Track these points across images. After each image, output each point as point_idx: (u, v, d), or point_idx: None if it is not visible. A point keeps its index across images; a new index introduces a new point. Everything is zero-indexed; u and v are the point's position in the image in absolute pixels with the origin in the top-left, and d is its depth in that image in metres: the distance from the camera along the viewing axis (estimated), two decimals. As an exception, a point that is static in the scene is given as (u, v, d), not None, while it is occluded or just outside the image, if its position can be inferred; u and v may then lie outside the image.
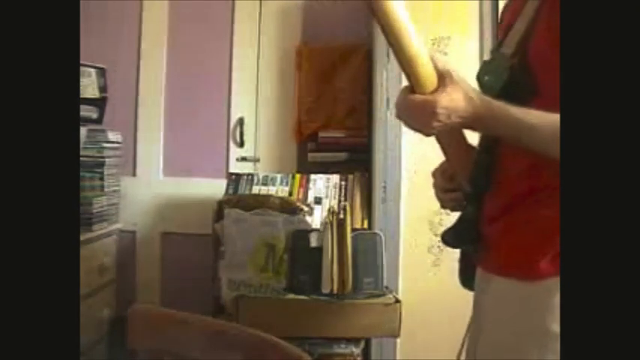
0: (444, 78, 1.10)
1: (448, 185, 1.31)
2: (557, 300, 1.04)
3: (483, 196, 1.20)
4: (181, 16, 2.94)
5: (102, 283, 2.64)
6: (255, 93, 2.94)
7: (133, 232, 2.94)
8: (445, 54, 2.38)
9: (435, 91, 1.08)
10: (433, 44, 2.38)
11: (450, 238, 1.25)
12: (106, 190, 2.65)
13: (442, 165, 1.33)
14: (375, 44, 2.48)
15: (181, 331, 1.11)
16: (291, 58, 2.87)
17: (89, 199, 2.53)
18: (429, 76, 1.09)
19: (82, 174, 2.54)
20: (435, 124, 1.07)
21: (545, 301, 1.06)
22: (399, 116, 1.14)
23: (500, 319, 1.15)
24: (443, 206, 1.35)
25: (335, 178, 2.55)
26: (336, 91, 2.79)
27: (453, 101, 1.07)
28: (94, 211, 2.55)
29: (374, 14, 1.07)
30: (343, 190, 2.52)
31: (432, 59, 1.11)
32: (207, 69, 2.95)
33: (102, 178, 2.63)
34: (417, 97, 1.09)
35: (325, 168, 2.66)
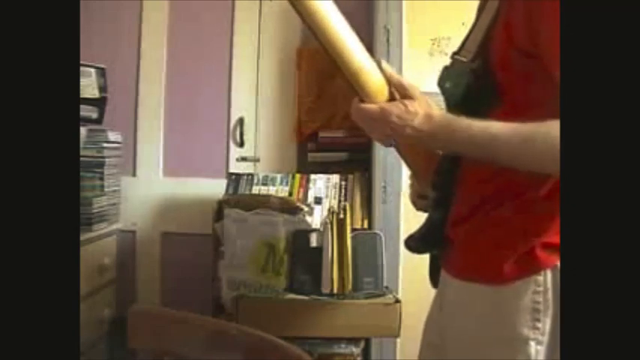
0: (404, 90, 1.10)
1: (423, 191, 1.30)
2: (525, 302, 1.05)
3: (449, 200, 1.19)
4: (181, 16, 2.94)
5: (102, 283, 2.64)
6: (255, 93, 2.94)
7: (133, 232, 2.94)
8: (445, 54, 2.38)
9: (389, 101, 1.09)
10: (433, 44, 2.38)
11: (413, 243, 1.23)
12: (106, 190, 2.65)
13: None
14: (375, 44, 2.48)
15: (181, 331, 1.11)
16: (291, 58, 2.87)
17: (89, 199, 2.53)
18: (378, 87, 1.10)
19: (82, 174, 2.53)
20: (390, 132, 1.08)
21: (513, 305, 1.06)
22: (359, 123, 1.14)
23: (463, 322, 1.14)
24: (417, 209, 1.33)
25: (335, 178, 2.55)
26: (336, 91, 2.78)
27: (408, 113, 1.07)
28: (94, 211, 2.55)
29: (310, 30, 1.07)
30: (343, 190, 2.52)
31: (386, 71, 1.11)
32: (208, 69, 2.95)
33: (102, 178, 2.63)
34: (370, 106, 1.09)
35: (325, 168, 2.66)
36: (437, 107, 1.09)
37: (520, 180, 1.07)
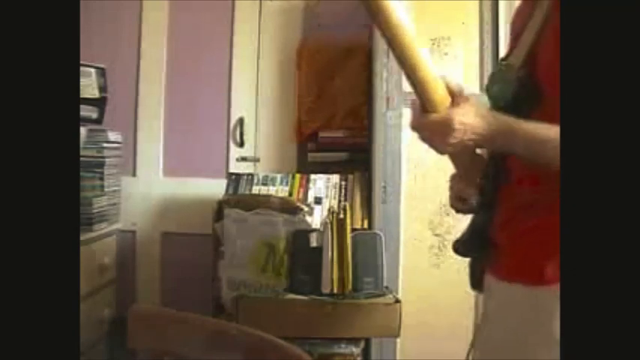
0: (456, 96, 1.12)
1: (463, 193, 1.32)
2: None
3: (493, 204, 1.21)
4: (181, 16, 2.94)
5: (102, 283, 2.64)
6: (255, 93, 2.94)
7: (133, 232, 2.94)
8: (445, 54, 2.38)
9: (449, 108, 1.11)
10: (433, 44, 2.38)
11: (461, 247, 1.26)
12: (106, 190, 2.65)
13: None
14: (375, 44, 2.48)
15: (181, 331, 1.11)
16: (291, 58, 2.87)
17: (89, 199, 2.53)
18: (440, 96, 1.11)
19: (82, 174, 2.53)
20: (452, 140, 1.09)
21: (551, 307, 1.06)
22: (417, 134, 1.15)
23: (505, 324, 1.16)
24: (457, 211, 1.35)
25: (335, 178, 2.55)
26: (336, 91, 2.79)
27: (468, 117, 1.09)
28: (94, 211, 2.55)
29: (384, 38, 1.11)
30: (343, 190, 2.51)
31: (443, 78, 1.13)
32: (207, 69, 2.95)
33: (102, 178, 2.63)
34: (434, 115, 1.11)
35: (325, 168, 2.66)
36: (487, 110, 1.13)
37: None
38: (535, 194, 1.13)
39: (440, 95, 1.12)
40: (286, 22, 2.91)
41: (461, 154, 1.27)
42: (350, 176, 2.55)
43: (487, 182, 1.22)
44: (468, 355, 1.37)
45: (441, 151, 1.15)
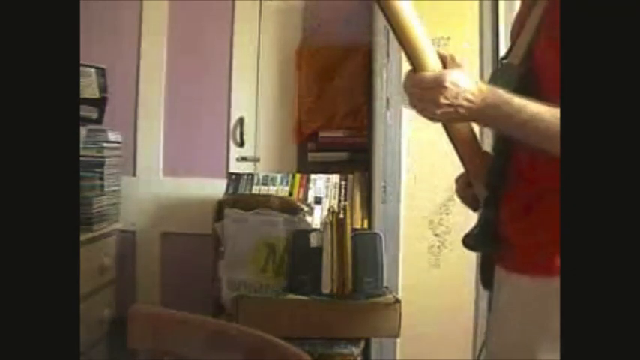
0: (452, 59, 1.13)
1: (465, 192, 1.33)
2: None
3: (501, 198, 1.21)
4: (181, 16, 2.94)
5: (102, 283, 2.64)
6: (255, 93, 2.94)
7: (133, 232, 2.94)
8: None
9: (443, 69, 1.11)
10: (433, 44, 2.38)
11: (471, 241, 1.26)
12: (106, 190, 2.65)
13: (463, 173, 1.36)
14: (375, 44, 2.48)
15: (181, 331, 1.11)
16: (291, 58, 2.87)
17: (89, 199, 2.53)
18: (433, 59, 1.12)
19: (82, 174, 2.53)
20: (443, 100, 1.08)
21: (559, 298, 1.07)
22: (407, 93, 1.15)
23: (515, 315, 1.17)
24: (465, 203, 1.36)
25: (335, 178, 2.55)
26: (336, 91, 2.79)
27: (460, 80, 1.08)
28: (94, 211, 2.55)
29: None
30: (343, 190, 2.52)
31: (442, 55, 1.15)
32: (207, 69, 2.95)
33: (102, 178, 2.63)
34: (427, 72, 1.11)
35: (325, 168, 2.66)
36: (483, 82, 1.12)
37: None
38: (543, 188, 1.13)
39: (433, 59, 1.13)
40: (286, 22, 2.91)
41: (464, 150, 1.27)
42: (350, 176, 2.56)
43: (494, 177, 1.22)
44: (479, 353, 1.37)
45: (431, 116, 1.13)
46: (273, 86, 2.94)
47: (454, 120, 1.17)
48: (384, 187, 2.40)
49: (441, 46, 2.38)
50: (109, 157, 2.66)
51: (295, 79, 2.87)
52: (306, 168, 2.76)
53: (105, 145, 2.64)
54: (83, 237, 2.41)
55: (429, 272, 2.36)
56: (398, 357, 2.38)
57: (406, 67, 2.08)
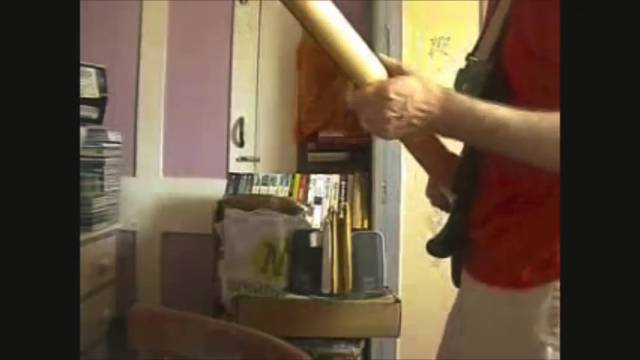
0: (398, 68, 1.03)
1: (433, 191, 1.29)
2: (543, 308, 1.03)
3: (470, 202, 1.16)
4: (181, 16, 2.94)
5: (102, 283, 2.64)
6: (255, 93, 2.94)
7: (133, 232, 2.94)
8: (445, 54, 2.38)
9: (385, 79, 1.01)
10: (433, 44, 2.38)
11: (435, 247, 1.20)
12: (106, 190, 2.65)
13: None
14: (375, 44, 2.48)
15: (181, 331, 1.11)
16: (291, 57, 2.87)
17: (89, 199, 2.53)
18: (375, 71, 1.02)
19: (82, 174, 2.53)
20: (390, 114, 0.98)
21: (531, 310, 1.04)
22: (358, 115, 1.03)
23: (485, 328, 1.13)
24: (433, 204, 1.32)
25: (335, 178, 2.55)
26: (336, 91, 2.79)
27: (407, 88, 0.98)
28: (94, 211, 2.55)
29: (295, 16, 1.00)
30: (343, 190, 2.52)
31: (386, 61, 1.05)
32: (207, 69, 2.95)
33: (102, 178, 2.63)
34: (368, 87, 1.00)
35: (325, 168, 2.66)
36: (438, 85, 1.01)
37: (540, 184, 1.05)
38: (512, 194, 1.10)
39: (375, 69, 1.02)
40: (286, 21, 2.90)
41: (422, 149, 1.22)
42: (350, 176, 2.55)
43: (461, 180, 1.17)
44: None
45: (384, 134, 1.01)
46: (273, 86, 2.94)
47: (413, 134, 1.06)
48: (384, 187, 2.40)
49: (441, 46, 2.38)
50: (109, 157, 2.67)
51: (295, 78, 2.87)
52: (306, 168, 2.76)
53: (105, 145, 2.65)
54: (83, 237, 2.41)
55: (429, 272, 2.35)
56: (398, 357, 2.38)
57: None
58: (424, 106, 0.98)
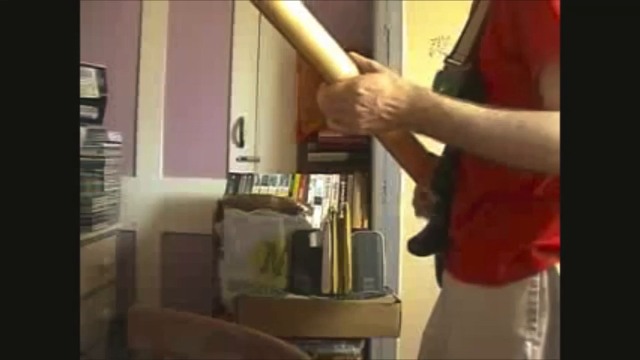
0: (369, 66, 1.05)
1: (420, 202, 1.30)
2: (521, 304, 1.05)
3: (450, 202, 1.18)
4: (181, 16, 2.94)
5: (102, 283, 2.64)
6: (255, 93, 2.94)
7: (133, 232, 2.94)
8: (445, 54, 2.38)
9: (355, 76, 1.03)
10: (433, 44, 2.38)
11: (416, 246, 1.22)
12: (106, 190, 2.65)
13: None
14: (375, 44, 2.48)
15: (181, 331, 1.11)
16: (291, 58, 2.87)
17: (89, 199, 2.53)
18: (346, 67, 1.04)
19: (82, 174, 2.53)
20: (360, 109, 0.99)
21: (508, 306, 1.06)
22: (324, 111, 1.05)
23: (466, 325, 1.14)
24: (417, 214, 1.32)
25: (335, 178, 2.55)
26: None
27: (377, 84, 1.00)
28: (94, 211, 2.55)
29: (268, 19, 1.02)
30: (343, 190, 2.51)
31: (357, 60, 1.07)
32: (207, 69, 2.95)
33: (102, 178, 2.63)
34: (337, 84, 1.02)
35: (325, 168, 2.66)
36: (409, 82, 1.03)
37: (515, 180, 1.07)
38: (488, 191, 1.11)
39: (345, 66, 1.04)
40: (286, 22, 2.90)
41: (400, 148, 1.23)
42: (350, 176, 2.55)
43: (441, 180, 1.18)
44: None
45: (355, 129, 1.02)
46: (273, 86, 2.94)
47: (383, 130, 1.07)
48: (384, 187, 2.40)
49: (441, 46, 2.37)
50: (109, 157, 2.67)
51: (295, 78, 2.87)
52: (306, 168, 2.76)
53: (105, 145, 2.64)
54: (83, 237, 2.41)
55: (429, 272, 2.35)
56: (398, 357, 2.38)
57: (406, 66, 2.11)
58: (393, 102, 1.00)
